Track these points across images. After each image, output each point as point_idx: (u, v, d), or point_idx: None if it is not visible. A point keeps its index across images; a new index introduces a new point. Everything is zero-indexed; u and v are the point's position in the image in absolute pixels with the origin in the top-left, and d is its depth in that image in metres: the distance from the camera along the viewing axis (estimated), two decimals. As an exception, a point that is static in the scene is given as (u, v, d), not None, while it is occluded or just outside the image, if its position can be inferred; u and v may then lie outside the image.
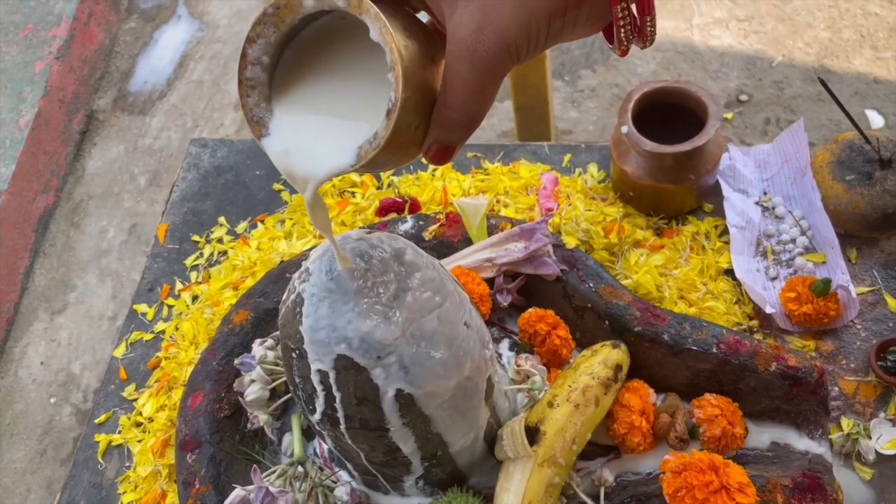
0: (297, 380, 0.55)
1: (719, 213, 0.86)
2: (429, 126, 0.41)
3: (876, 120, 1.52)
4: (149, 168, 1.80)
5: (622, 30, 0.39)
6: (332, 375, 0.52)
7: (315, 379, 0.53)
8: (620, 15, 0.38)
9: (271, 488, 0.64)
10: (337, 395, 0.53)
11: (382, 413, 0.53)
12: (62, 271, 1.66)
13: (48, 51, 1.85)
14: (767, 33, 1.69)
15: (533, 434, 0.64)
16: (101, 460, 0.81)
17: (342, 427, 0.55)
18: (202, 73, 1.94)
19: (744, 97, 1.60)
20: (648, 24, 0.39)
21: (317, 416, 0.56)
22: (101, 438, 0.82)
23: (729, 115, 1.58)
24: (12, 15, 1.93)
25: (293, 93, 0.42)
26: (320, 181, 0.42)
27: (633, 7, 0.39)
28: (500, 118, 1.69)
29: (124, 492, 0.78)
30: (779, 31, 1.69)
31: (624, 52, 0.41)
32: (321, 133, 0.41)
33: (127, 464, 0.80)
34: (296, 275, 0.55)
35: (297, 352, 0.53)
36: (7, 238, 1.61)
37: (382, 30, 0.37)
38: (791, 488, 0.63)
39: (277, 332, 0.75)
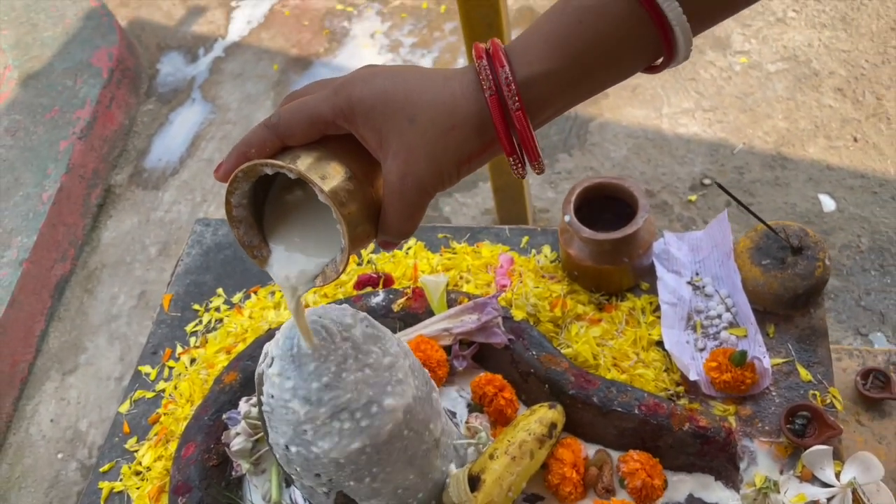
0: (270, 434, 0.66)
1: (655, 290, 0.98)
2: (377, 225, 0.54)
3: (828, 203, 1.65)
4: (159, 239, 1.94)
5: (516, 171, 0.53)
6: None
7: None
8: (513, 163, 0.52)
9: (249, 526, 0.74)
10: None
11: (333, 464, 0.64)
12: (75, 334, 1.78)
13: (72, 131, 2.02)
14: (730, 122, 1.83)
15: (475, 482, 0.75)
16: (103, 505, 0.92)
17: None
18: (212, 152, 2.11)
19: (707, 181, 1.74)
20: (537, 166, 0.52)
21: (286, 466, 0.67)
22: (105, 486, 0.93)
23: (692, 198, 1.72)
24: (41, 98, 2.11)
25: (276, 222, 0.57)
26: (300, 294, 0.57)
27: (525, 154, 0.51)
28: (483, 197, 1.83)
29: (123, 533, 0.88)
30: (740, 121, 1.83)
31: (521, 177, 0.54)
32: (296, 259, 0.56)
33: (126, 508, 0.91)
34: (266, 347, 0.67)
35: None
36: (25, 303, 1.74)
37: (325, 197, 0.50)
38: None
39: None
